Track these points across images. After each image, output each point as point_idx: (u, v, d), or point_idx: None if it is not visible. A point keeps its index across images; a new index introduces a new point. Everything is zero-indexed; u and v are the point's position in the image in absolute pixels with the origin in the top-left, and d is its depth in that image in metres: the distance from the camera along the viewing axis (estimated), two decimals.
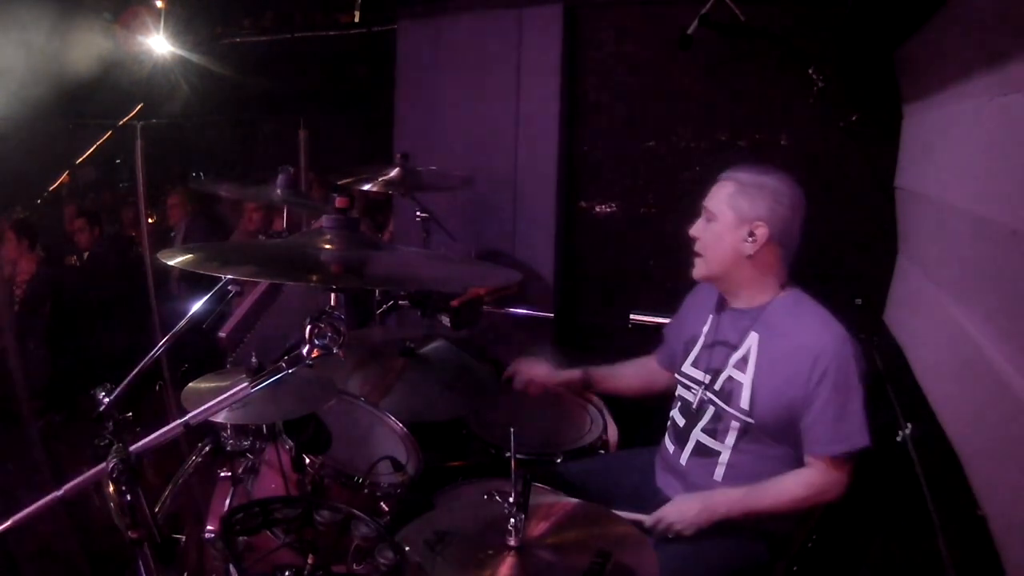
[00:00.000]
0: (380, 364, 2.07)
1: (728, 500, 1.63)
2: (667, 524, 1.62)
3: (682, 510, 1.64)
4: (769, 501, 1.62)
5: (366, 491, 1.64)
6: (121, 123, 5.29)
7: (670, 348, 2.04)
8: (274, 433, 1.66)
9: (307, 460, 1.63)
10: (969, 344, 1.44)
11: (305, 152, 4.15)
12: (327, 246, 1.34)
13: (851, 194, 2.56)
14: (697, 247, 1.77)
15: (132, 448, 1.08)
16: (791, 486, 1.61)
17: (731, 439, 1.69)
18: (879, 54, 2.39)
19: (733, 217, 1.68)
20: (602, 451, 2.18)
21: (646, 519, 1.64)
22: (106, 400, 1.37)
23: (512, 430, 1.36)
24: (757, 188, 1.68)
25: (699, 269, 1.78)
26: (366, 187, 2.58)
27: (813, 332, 1.62)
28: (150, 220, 4.54)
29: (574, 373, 2.08)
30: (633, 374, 2.11)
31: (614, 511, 1.47)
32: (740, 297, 1.76)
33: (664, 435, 1.90)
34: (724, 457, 1.69)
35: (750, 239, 1.67)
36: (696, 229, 1.77)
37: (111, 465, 1.05)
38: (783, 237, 1.68)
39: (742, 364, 1.69)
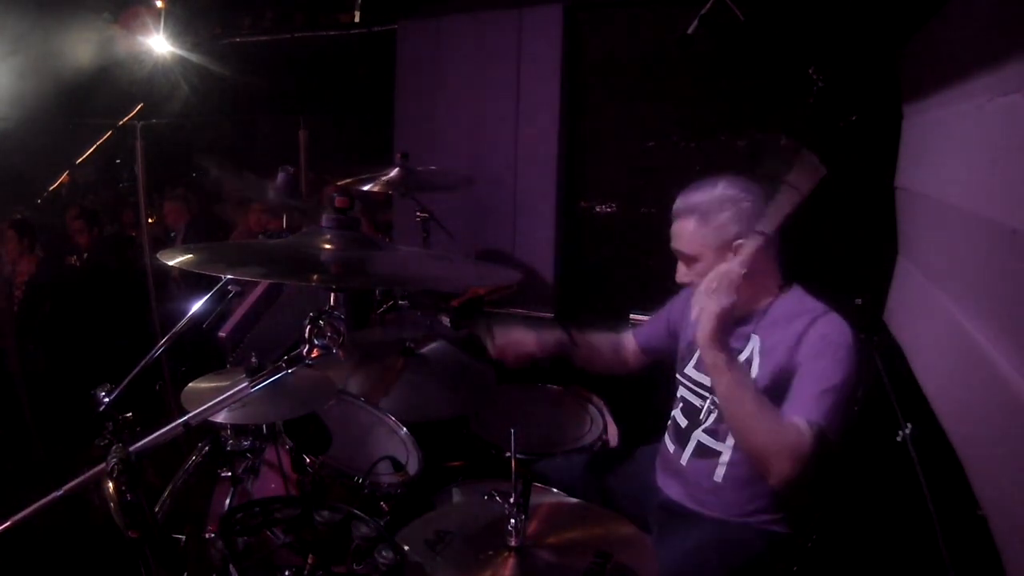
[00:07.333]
0: (380, 364, 2.07)
1: (733, 364, 1.51)
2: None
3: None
4: (750, 402, 1.48)
5: (366, 491, 1.64)
6: (121, 123, 5.29)
7: (654, 329, 2.05)
8: (274, 433, 1.66)
9: (307, 460, 1.64)
10: (969, 344, 1.44)
11: (305, 152, 4.14)
12: (327, 246, 1.35)
13: (851, 194, 2.56)
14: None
15: (132, 448, 1.08)
16: (773, 415, 1.47)
17: (732, 439, 1.67)
18: (879, 54, 2.39)
19: (712, 252, 1.65)
20: None
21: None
22: (106, 400, 1.37)
23: (512, 430, 1.36)
24: (716, 209, 1.63)
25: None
26: (366, 188, 2.59)
27: (814, 315, 1.60)
28: (150, 220, 4.54)
29: (555, 333, 2.05)
30: (607, 344, 2.11)
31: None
32: (741, 306, 1.70)
33: (663, 434, 1.90)
34: (725, 457, 1.68)
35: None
36: (684, 276, 1.74)
37: (111, 465, 1.05)
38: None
39: (745, 368, 1.68)
